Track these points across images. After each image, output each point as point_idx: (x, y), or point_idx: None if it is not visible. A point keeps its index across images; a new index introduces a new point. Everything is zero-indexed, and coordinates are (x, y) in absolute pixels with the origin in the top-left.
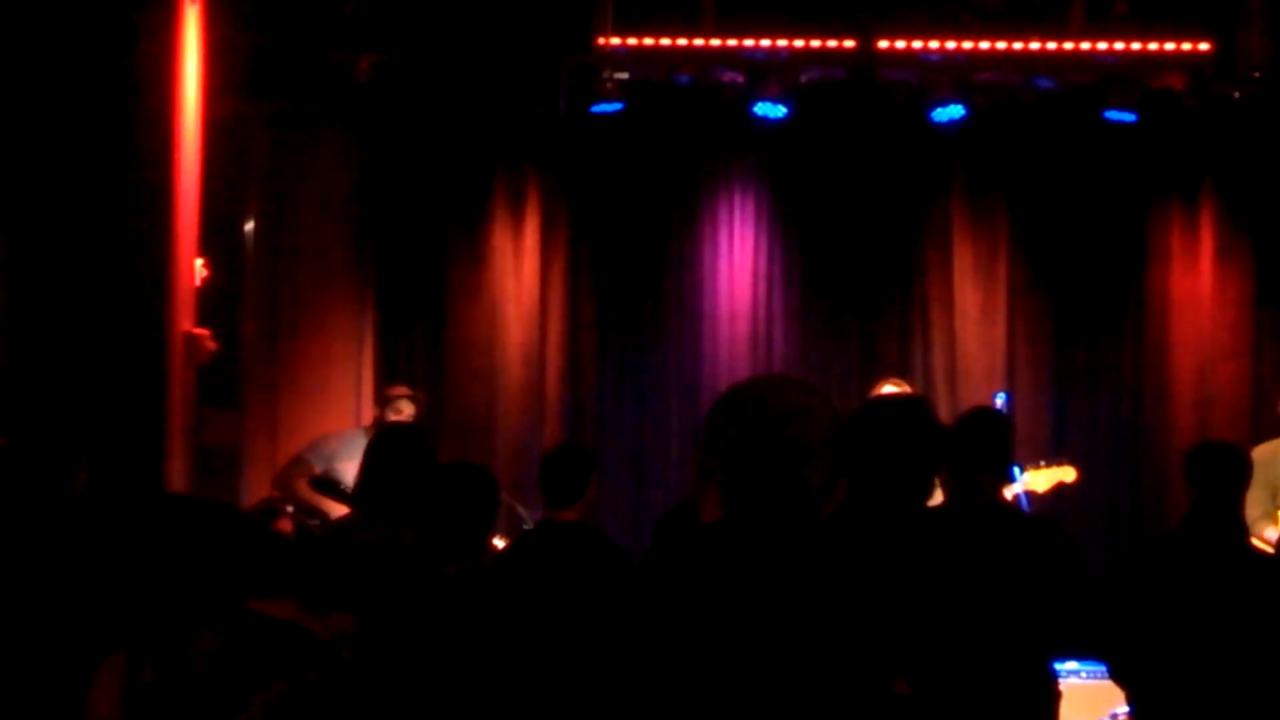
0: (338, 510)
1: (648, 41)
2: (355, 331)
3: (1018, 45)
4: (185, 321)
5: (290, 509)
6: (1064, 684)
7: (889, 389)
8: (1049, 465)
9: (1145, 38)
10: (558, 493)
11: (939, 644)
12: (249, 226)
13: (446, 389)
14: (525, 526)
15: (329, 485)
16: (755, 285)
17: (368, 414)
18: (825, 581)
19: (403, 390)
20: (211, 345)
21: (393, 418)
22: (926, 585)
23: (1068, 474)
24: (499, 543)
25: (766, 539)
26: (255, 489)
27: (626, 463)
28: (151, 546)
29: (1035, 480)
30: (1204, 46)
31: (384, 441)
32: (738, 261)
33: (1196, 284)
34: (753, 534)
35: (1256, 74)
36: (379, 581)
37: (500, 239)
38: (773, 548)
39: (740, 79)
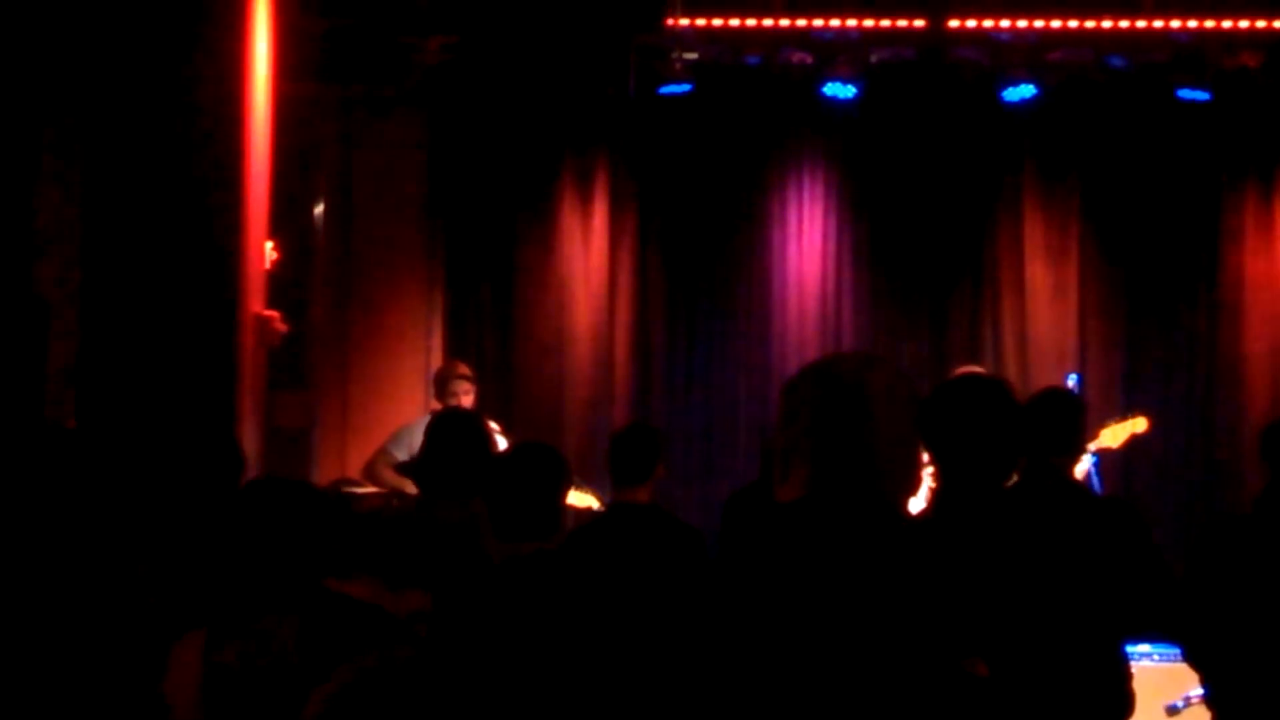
0: (407, 486)
1: (717, 22)
2: (424, 314)
3: (1089, 24)
4: (256, 303)
5: (364, 490)
6: (1137, 666)
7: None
8: (1120, 420)
9: (1218, 15)
10: (626, 472)
11: (1015, 626)
12: (319, 210)
13: (515, 370)
14: (596, 506)
15: (406, 468)
16: (825, 266)
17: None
18: (904, 563)
19: (463, 370)
20: (282, 327)
21: (458, 399)
22: (1002, 567)
23: (1139, 425)
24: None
25: (845, 519)
26: (326, 470)
27: (695, 443)
28: (229, 526)
29: (1110, 436)
30: (1278, 24)
31: (440, 423)
32: (807, 242)
33: (1271, 263)
34: (831, 513)
35: None
36: (453, 561)
37: (569, 221)
38: (852, 528)
39: (810, 59)
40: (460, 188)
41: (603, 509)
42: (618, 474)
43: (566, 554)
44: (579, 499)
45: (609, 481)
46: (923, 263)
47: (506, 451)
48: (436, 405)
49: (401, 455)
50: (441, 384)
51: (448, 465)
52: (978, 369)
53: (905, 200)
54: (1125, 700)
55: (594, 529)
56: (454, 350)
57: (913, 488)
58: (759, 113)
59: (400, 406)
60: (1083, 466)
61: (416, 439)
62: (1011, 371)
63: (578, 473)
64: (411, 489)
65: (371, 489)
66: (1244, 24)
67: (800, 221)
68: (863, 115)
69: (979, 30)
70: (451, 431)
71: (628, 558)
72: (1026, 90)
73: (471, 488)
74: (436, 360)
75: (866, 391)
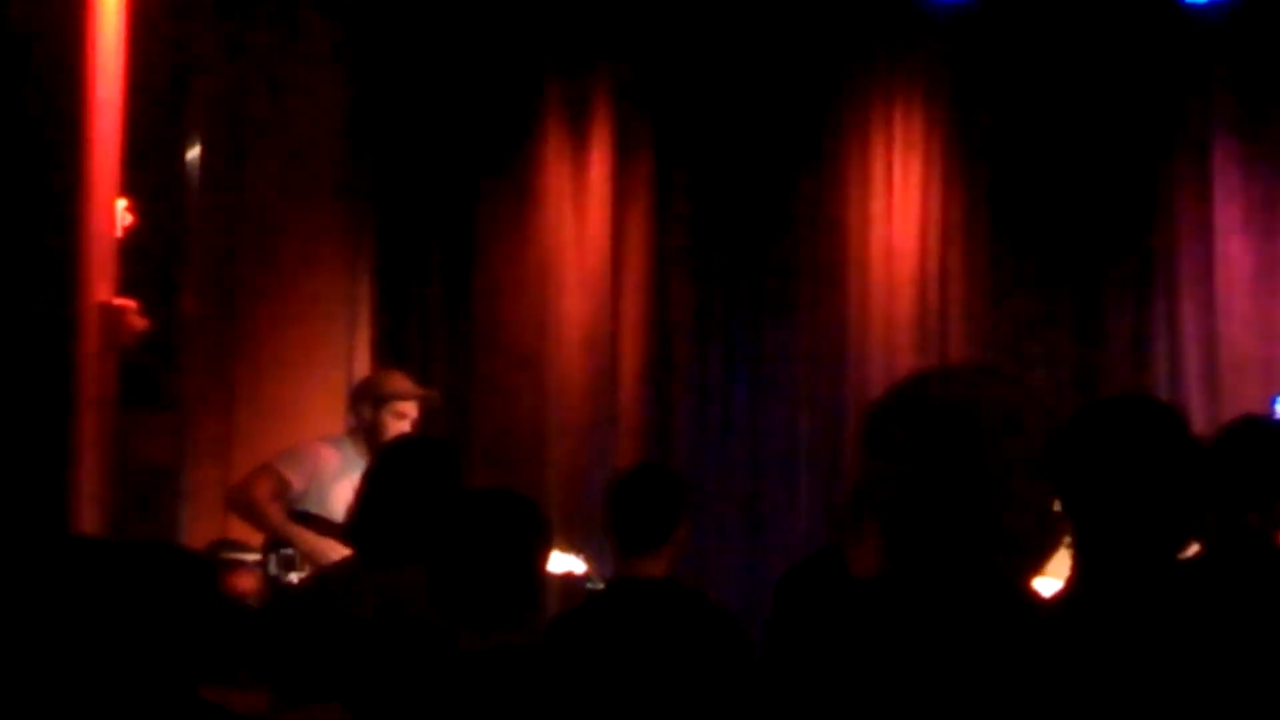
0: (324, 551)
1: None
2: (345, 303)
3: None
4: (101, 289)
5: (253, 556)
6: None
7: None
8: None
9: None
10: (635, 535)
11: None
12: (193, 154)
13: (474, 386)
14: (590, 585)
15: (314, 518)
16: (924, 239)
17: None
18: (1031, 668)
19: (404, 384)
20: (140, 322)
21: (393, 424)
22: (1173, 676)
23: None
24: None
25: (948, 603)
26: (201, 524)
27: (734, 494)
28: (60, 611)
29: None
30: None
31: (392, 461)
32: (899, 205)
33: None
34: (928, 596)
35: None
36: (381, 662)
37: (554, 172)
38: (957, 616)
39: None
40: (396, 124)
41: (596, 582)
42: (623, 537)
43: (546, 651)
44: (561, 563)
45: (610, 547)
46: (1064, 235)
47: (462, 504)
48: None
49: (299, 484)
50: (368, 402)
51: (396, 518)
52: (1142, 389)
53: (1040, 147)
54: None
55: (587, 614)
56: (387, 357)
57: (1045, 557)
58: (832, 19)
59: (309, 432)
60: None
61: (325, 463)
62: (1194, 391)
63: (562, 535)
64: (311, 545)
65: (249, 553)
66: None
67: (889, 175)
68: (981, 26)
69: None
70: (413, 470)
71: (635, 657)
72: None
73: (428, 553)
74: (361, 371)
75: (982, 423)
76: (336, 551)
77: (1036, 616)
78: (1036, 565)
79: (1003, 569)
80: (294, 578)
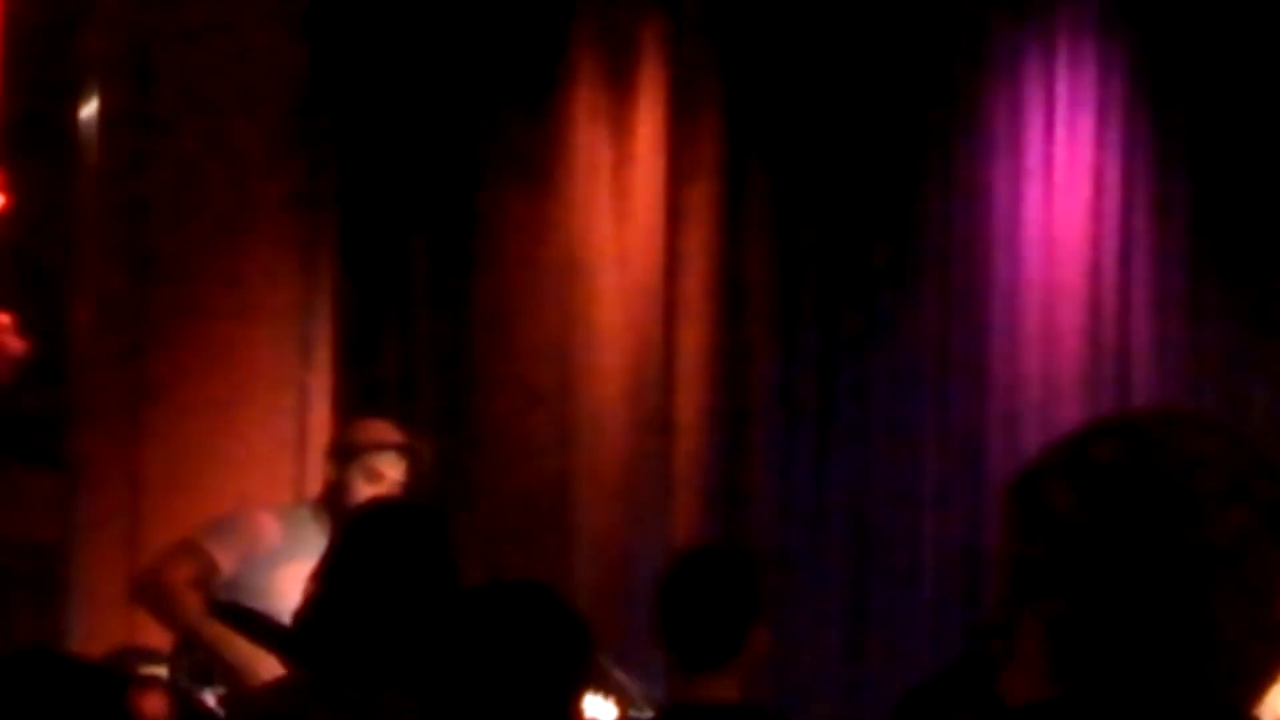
0: (250, 662)
1: None
2: (298, 319)
3: None
4: None
5: (164, 668)
6: None
7: None
8: None
9: None
10: (698, 645)
11: None
12: (88, 111)
13: (476, 434)
14: (635, 713)
15: (244, 615)
16: (1096, 221)
17: (316, 479)
18: None
19: (382, 432)
20: (16, 345)
21: (364, 486)
22: None
23: None
24: None
25: None
26: (99, 622)
27: (834, 580)
28: None
29: None
30: None
31: (360, 535)
32: (1061, 177)
33: None
34: None
35: None
36: None
37: (584, 137)
38: None
39: None
40: (365, 74)
41: (643, 710)
42: (681, 648)
43: None
44: (590, 707)
45: (664, 661)
46: None
47: (468, 605)
48: (317, 487)
49: (229, 566)
50: (341, 452)
51: (366, 613)
52: None
53: (1245, 102)
54: None
55: None
56: (354, 401)
57: (1271, 677)
58: None
59: (248, 494)
60: None
61: (262, 540)
62: None
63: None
64: (235, 652)
65: (161, 664)
66: None
67: (1050, 136)
68: None
69: None
70: (389, 548)
71: None
72: None
73: (413, 664)
74: (320, 412)
75: (1190, 491)
76: (268, 665)
77: None
78: (1260, 688)
79: (1216, 692)
80: (209, 696)
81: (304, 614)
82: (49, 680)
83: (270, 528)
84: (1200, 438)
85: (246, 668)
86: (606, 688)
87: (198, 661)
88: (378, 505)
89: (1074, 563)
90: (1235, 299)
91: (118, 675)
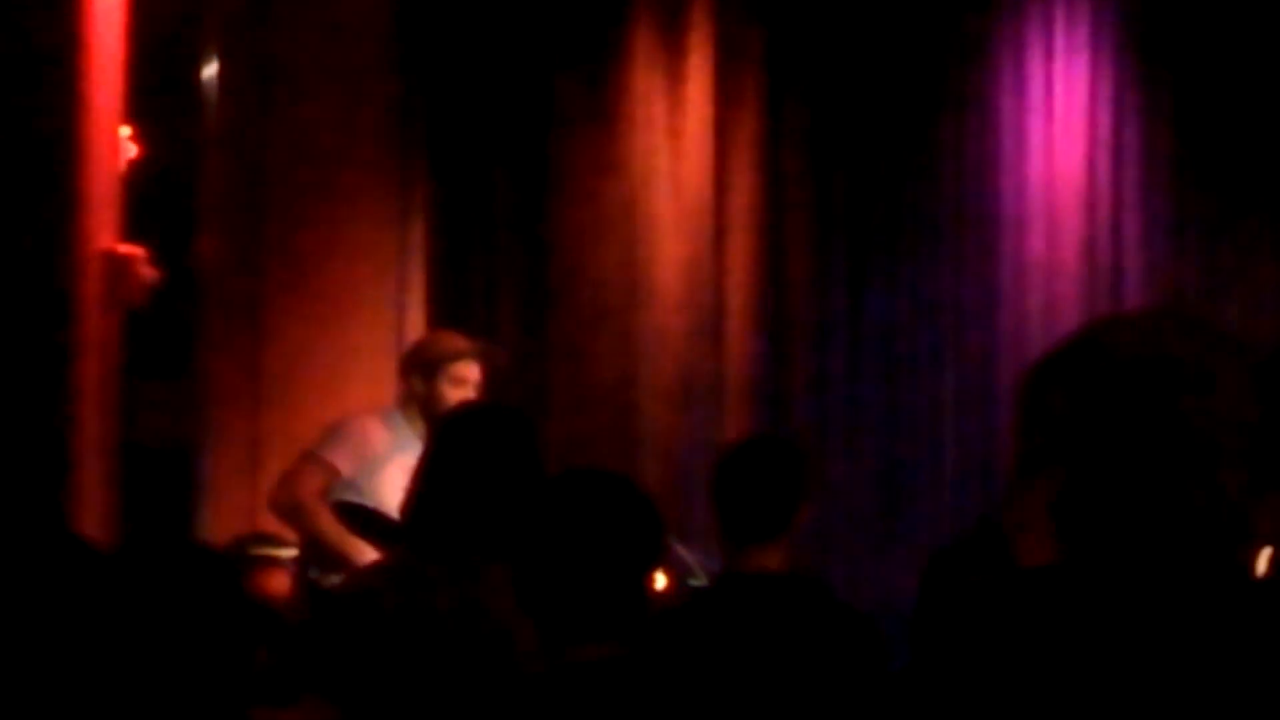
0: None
1: None
2: (395, 249)
3: None
4: (103, 234)
5: (289, 552)
6: None
7: None
8: None
9: None
10: (748, 521)
11: None
12: (209, 72)
13: (550, 348)
14: (693, 581)
15: (362, 513)
16: (1093, 168)
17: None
18: (1250, 677)
19: (459, 342)
20: (149, 273)
21: (452, 391)
22: None
23: None
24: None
25: (1140, 600)
26: (224, 516)
27: (867, 469)
28: (59, 631)
29: None
30: None
31: (454, 433)
32: (1061, 120)
33: None
34: (1117, 590)
35: None
36: (451, 678)
37: (643, 88)
38: (1153, 615)
39: None
40: (452, 35)
41: (700, 576)
42: (733, 524)
43: (645, 663)
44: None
45: (717, 535)
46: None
47: (552, 489)
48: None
49: (348, 470)
50: (425, 366)
51: (465, 505)
52: None
53: (1241, 48)
54: None
55: (692, 617)
56: (445, 312)
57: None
58: None
59: (351, 404)
60: None
61: (380, 445)
62: None
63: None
64: (358, 550)
65: (283, 549)
66: None
67: (1050, 83)
68: None
69: None
70: (482, 443)
71: (749, 667)
72: None
73: (506, 546)
74: (415, 330)
75: (1173, 381)
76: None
77: (1249, 608)
78: (1247, 544)
79: (1213, 553)
80: (336, 580)
81: (409, 509)
82: (183, 567)
83: (377, 433)
84: (1191, 336)
85: (346, 549)
86: (666, 561)
87: (319, 557)
88: (468, 408)
89: (1068, 448)
90: (1217, 241)
91: (235, 556)
